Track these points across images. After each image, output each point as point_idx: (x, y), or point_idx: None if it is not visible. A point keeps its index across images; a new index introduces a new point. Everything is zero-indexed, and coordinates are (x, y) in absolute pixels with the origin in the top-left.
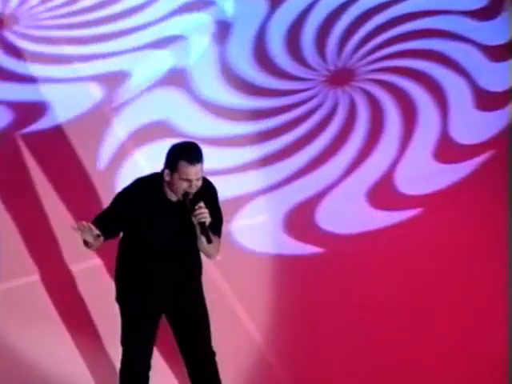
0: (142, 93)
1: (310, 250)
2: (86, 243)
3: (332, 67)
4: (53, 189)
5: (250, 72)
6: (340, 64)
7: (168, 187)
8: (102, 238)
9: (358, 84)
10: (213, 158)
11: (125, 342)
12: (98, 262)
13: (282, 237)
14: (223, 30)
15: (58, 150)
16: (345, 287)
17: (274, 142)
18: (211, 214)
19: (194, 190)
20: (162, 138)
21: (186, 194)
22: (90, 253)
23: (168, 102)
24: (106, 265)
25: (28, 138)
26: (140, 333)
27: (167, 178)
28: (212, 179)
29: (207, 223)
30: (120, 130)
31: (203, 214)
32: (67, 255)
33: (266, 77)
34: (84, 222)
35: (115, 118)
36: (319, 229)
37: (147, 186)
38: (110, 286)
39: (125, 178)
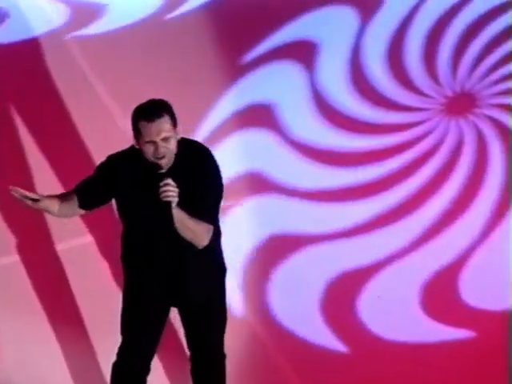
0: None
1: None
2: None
3: (449, 92)
4: None
5: (347, 102)
6: (457, 88)
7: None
8: (46, 201)
9: (481, 111)
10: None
11: (124, 330)
12: (87, 239)
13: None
14: (309, 52)
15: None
16: None
17: (391, 194)
18: (196, 191)
19: (162, 154)
20: (254, 192)
21: (156, 165)
22: (79, 230)
23: (254, 147)
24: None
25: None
26: (144, 322)
27: (137, 147)
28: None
29: (174, 203)
30: None
31: (167, 191)
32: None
33: (369, 108)
34: (17, 189)
35: None
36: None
37: (129, 156)
38: (100, 269)
39: None
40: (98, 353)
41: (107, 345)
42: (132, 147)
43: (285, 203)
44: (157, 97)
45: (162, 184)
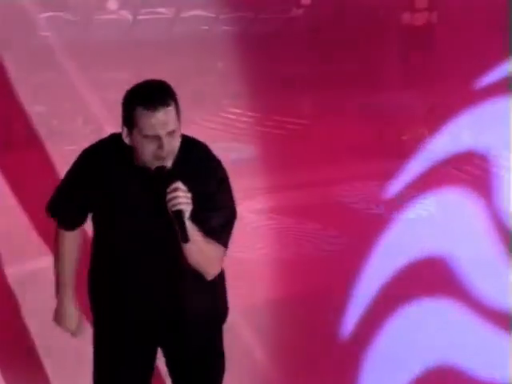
0: None
1: None
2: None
3: None
4: None
5: None
6: None
7: (135, 153)
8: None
9: None
10: None
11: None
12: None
13: None
14: None
15: None
16: None
17: None
18: (208, 203)
19: (165, 153)
20: None
21: (158, 167)
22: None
23: None
24: None
25: None
26: (128, 370)
27: (127, 141)
28: None
29: (187, 214)
30: None
31: (178, 198)
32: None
33: None
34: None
35: None
36: None
37: (106, 151)
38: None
39: None
40: None
41: None
42: (114, 137)
43: None
44: None
45: (170, 189)
